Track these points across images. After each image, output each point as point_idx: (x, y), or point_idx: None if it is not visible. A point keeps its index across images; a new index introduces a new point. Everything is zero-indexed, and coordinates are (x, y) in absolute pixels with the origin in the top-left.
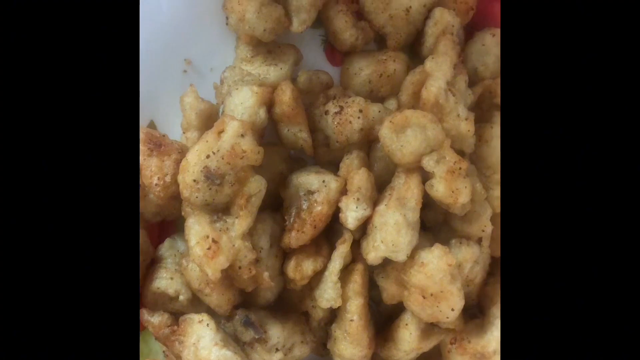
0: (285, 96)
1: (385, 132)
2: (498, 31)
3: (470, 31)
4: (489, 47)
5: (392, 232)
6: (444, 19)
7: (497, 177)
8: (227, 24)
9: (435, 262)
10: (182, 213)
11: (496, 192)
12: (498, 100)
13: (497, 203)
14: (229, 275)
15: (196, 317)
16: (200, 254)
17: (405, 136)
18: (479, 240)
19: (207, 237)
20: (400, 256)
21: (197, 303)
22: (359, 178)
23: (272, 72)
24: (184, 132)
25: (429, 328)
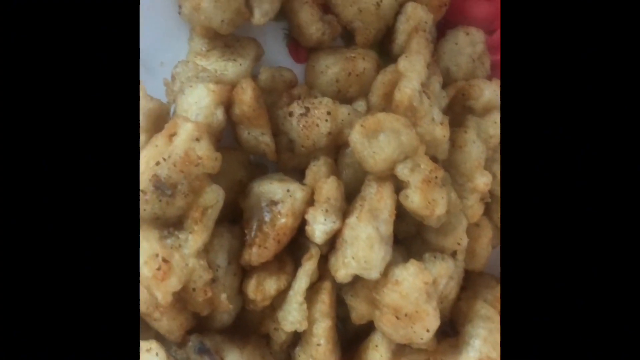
0: (246, 95)
1: (356, 137)
2: (472, 29)
3: (441, 29)
4: (462, 46)
5: (364, 247)
6: (417, 15)
7: (471, 185)
8: (179, 13)
9: (411, 280)
10: None
11: (470, 201)
12: (471, 102)
13: (472, 213)
14: (181, 298)
15: (144, 344)
16: (148, 275)
17: (378, 142)
18: (454, 254)
19: (157, 255)
20: (373, 274)
21: (145, 328)
22: (328, 187)
23: (231, 68)
24: None
25: (400, 349)
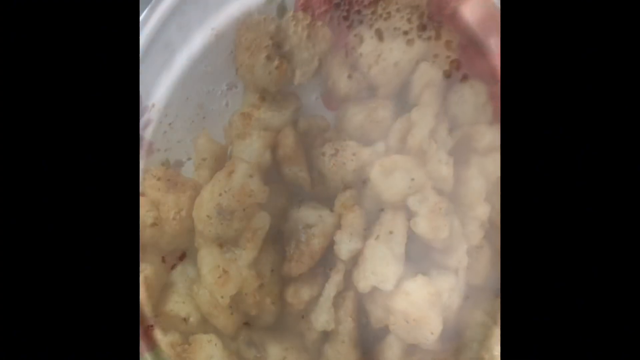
0: (288, 140)
1: (375, 174)
2: (476, 83)
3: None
4: (467, 98)
5: (381, 264)
6: (429, 73)
7: (473, 213)
8: (236, 73)
9: (418, 291)
10: (195, 244)
11: (471, 227)
12: (475, 144)
13: (473, 237)
14: (235, 300)
15: (205, 337)
16: (211, 281)
17: (394, 178)
18: (456, 271)
19: (218, 266)
20: (388, 286)
21: (205, 324)
22: (353, 215)
23: (276, 117)
24: (196, 170)
25: (411, 349)
